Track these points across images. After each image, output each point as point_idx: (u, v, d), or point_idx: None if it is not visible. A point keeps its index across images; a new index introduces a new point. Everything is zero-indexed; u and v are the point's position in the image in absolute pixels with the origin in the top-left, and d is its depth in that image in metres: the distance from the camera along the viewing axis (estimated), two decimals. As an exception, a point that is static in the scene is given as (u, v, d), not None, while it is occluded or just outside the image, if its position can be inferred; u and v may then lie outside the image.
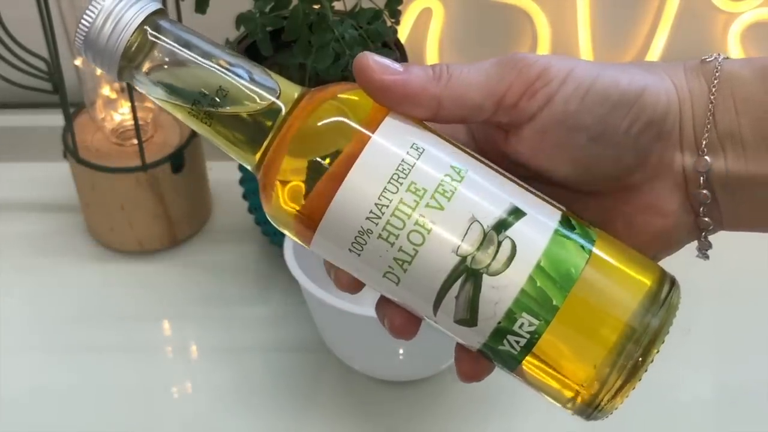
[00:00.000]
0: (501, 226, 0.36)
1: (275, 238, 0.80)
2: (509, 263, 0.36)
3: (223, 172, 0.85)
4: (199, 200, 0.85)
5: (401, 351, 0.69)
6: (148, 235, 0.82)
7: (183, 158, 0.80)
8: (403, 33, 0.93)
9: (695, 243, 0.41)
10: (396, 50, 0.75)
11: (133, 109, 0.75)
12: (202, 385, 0.75)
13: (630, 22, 0.96)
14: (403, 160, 0.36)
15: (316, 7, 0.70)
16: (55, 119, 0.83)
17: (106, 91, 0.81)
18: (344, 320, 0.67)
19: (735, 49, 0.95)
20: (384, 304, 0.39)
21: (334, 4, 0.71)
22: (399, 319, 0.39)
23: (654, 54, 0.95)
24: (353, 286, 0.40)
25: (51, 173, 0.88)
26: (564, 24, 0.94)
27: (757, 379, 0.74)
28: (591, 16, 0.94)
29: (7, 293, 0.81)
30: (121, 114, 0.82)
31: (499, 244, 0.36)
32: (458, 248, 0.36)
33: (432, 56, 0.95)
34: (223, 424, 0.72)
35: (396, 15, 0.73)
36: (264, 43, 0.72)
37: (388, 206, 0.36)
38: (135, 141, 0.78)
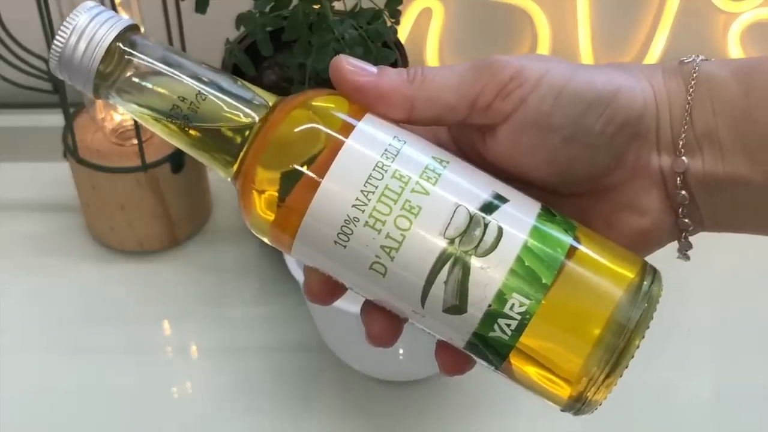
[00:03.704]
0: (486, 209, 0.36)
1: (275, 238, 0.80)
2: (497, 244, 0.36)
3: (223, 172, 0.85)
4: (199, 200, 0.85)
5: (401, 351, 0.69)
6: (148, 235, 0.82)
7: (183, 158, 0.80)
8: (403, 33, 0.93)
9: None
10: (396, 50, 0.75)
11: (133, 109, 0.75)
12: (202, 385, 0.75)
13: (630, 22, 0.96)
14: (386, 150, 0.37)
15: (316, 7, 0.70)
16: (55, 119, 0.83)
17: (106, 91, 0.81)
18: (344, 320, 0.67)
19: (735, 49, 0.95)
20: (365, 311, 0.40)
21: (334, 4, 0.71)
22: (378, 326, 0.39)
23: (654, 54, 0.95)
24: (324, 294, 0.40)
25: (51, 173, 0.88)
26: (564, 24, 0.94)
27: (756, 380, 0.74)
28: (591, 16, 0.94)
29: (7, 293, 0.81)
30: (121, 114, 0.82)
31: (486, 225, 0.36)
32: (445, 231, 0.36)
33: (432, 56, 0.95)
34: (223, 424, 0.72)
35: (396, 15, 0.73)
36: (264, 43, 0.72)
37: (374, 192, 0.36)
38: (135, 141, 0.78)
